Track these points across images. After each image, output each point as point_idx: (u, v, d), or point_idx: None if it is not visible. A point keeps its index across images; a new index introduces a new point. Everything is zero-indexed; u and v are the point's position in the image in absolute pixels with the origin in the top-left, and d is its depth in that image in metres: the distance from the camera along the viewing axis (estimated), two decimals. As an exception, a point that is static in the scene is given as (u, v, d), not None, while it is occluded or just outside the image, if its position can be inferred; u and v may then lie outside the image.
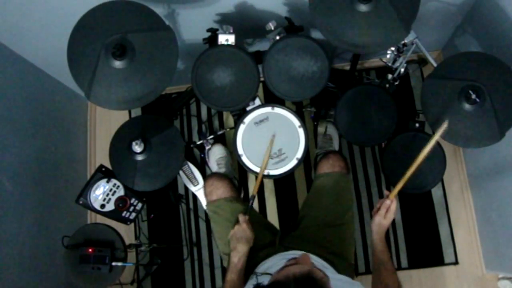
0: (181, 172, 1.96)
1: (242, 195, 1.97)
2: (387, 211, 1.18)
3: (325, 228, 1.38)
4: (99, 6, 1.15)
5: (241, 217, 1.33)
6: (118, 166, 1.44)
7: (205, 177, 2.01)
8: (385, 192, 1.23)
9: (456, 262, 1.92)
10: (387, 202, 1.19)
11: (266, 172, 1.41)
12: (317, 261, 1.21)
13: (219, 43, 1.38)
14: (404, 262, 1.94)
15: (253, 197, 1.41)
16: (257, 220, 1.45)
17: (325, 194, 1.46)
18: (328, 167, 1.49)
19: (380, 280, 1.12)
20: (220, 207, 1.46)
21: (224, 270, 1.93)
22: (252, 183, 2.05)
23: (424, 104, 1.27)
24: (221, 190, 1.48)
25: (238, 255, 1.26)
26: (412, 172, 1.15)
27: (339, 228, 1.39)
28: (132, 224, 1.77)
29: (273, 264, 1.20)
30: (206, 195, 1.52)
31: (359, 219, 1.97)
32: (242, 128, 1.42)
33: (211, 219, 1.50)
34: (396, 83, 1.55)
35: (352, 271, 1.35)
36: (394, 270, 1.14)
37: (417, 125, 1.52)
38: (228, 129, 2.01)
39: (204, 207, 1.99)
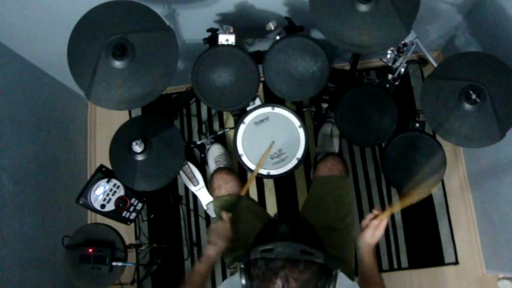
0: (181, 172, 1.96)
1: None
2: (376, 230, 1.15)
3: (325, 232, 1.37)
4: (99, 6, 1.15)
5: (225, 215, 1.30)
6: (118, 166, 1.44)
7: (205, 177, 2.01)
8: (374, 210, 1.17)
9: (456, 262, 1.92)
10: (375, 222, 1.15)
11: (266, 172, 1.41)
12: None
13: (219, 43, 1.38)
14: (404, 262, 1.94)
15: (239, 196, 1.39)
16: (252, 210, 1.43)
17: (324, 198, 1.45)
18: (326, 171, 1.47)
19: None
20: (228, 203, 1.42)
21: (223, 266, 1.95)
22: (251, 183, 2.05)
23: (424, 104, 1.27)
24: (230, 184, 1.45)
25: (217, 250, 1.22)
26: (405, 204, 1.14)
27: (339, 232, 1.38)
28: (132, 224, 1.77)
29: None
30: (213, 189, 1.49)
31: (359, 220, 1.96)
32: (242, 128, 1.42)
33: (216, 214, 1.47)
34: (396, 83, 1.55)
35: (352, 276, 1.35)
36: (382, 282, 1.13)
37: (417, 125, 1.52)
38: (228, 129, 2.01)
39: (205, 207, 1.99)
